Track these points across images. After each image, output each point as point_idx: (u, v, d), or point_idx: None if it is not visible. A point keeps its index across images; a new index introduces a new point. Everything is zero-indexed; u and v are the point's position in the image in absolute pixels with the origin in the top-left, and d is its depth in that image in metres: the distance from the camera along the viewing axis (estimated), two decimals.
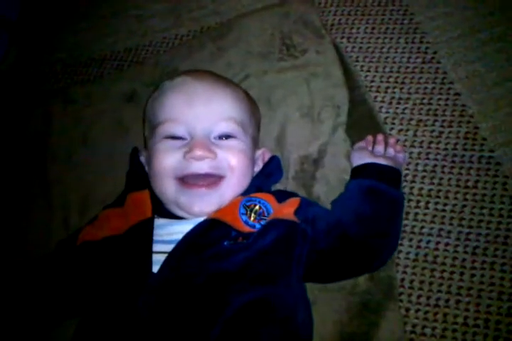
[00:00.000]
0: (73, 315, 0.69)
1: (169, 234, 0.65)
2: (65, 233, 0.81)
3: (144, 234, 0.64)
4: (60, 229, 0.83)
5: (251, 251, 0.61)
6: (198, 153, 0.64)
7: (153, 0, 1.11)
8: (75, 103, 0.94)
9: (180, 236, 0.62)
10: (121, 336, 0.57)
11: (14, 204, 0.88)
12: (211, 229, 0.63)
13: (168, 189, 0.66)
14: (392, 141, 0.76)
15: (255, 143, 0.73)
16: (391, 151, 0.75)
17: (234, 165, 0.66)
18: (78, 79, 1.05)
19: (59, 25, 1.16)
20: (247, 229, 0.64)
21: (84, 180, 0.85)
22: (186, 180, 0.65)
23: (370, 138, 0.77)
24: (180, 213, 0.66)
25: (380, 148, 0.76)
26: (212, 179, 0.66)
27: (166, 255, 0.61)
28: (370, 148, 0.76)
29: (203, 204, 0.65)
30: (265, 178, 0.73)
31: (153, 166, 0.67)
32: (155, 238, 0.64)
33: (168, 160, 0.66)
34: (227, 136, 0.68)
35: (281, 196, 0.69)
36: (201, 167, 0.65)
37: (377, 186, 0.68)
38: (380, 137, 0.76)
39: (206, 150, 0.65)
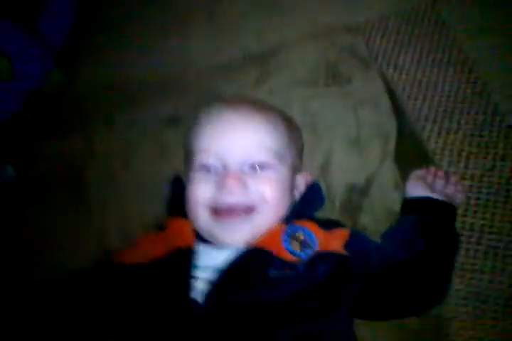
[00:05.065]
0: (109, 335, 0.66)
1: (208, 260, 0.63)
2: (101, 254, 0.81)
3: (184, 260, 0.63)
4: (97, 250, 0.82)
5: (300, 284, 0.60)
6: (229, 184, 0.63)
7: (194, 27, 1.12)
8: (117, 125, 0.95)
9: (219, 263, 0.61)
10: None
11: (52, 221, 0.88)
12: (254, 258, 0.62)
13: (201, 219, 0.66)
14: (454, 178, 0.73)
15: (295, 171, 0.71)
16: (451, 189, 0.72)
17: (267, 196, 0.65)
18: (121, 101, 1.05)
19: (101, 46, 1.18)
20: (291, 258, 0.62)
21: (124, 201, 0.85)
22: (219, 211, 0.64)
23: (433, 169, 0.74)
24: (215, 242, 0.65)
25: (440, 182, 0.72)
26: (245, 209, 0.64)
27: (204, 281, 0.60)
28: (429, 179, 0.72)
29: (236, 235, 0.64)
30: (306, 205, 0.70)
31: (187, 196, 0.67)
32: (194, 264, 0.63)
33: (200, 191, 0.66)
34: (262, 167, 0.66)
35: (327, 224, 0.67)
36: (233, 198, 0.64)
37: (436, 225, 0.66)
38: (441, 172, 0.73)
39: (237, 181, 0.64)
